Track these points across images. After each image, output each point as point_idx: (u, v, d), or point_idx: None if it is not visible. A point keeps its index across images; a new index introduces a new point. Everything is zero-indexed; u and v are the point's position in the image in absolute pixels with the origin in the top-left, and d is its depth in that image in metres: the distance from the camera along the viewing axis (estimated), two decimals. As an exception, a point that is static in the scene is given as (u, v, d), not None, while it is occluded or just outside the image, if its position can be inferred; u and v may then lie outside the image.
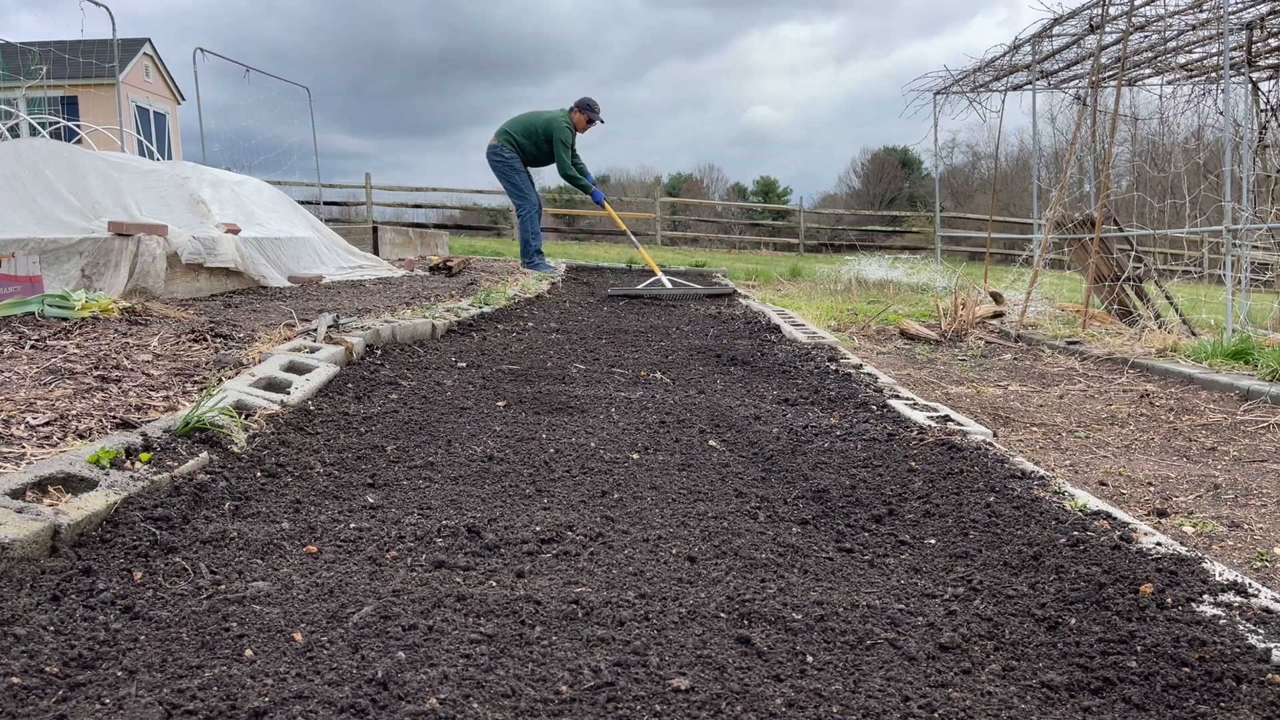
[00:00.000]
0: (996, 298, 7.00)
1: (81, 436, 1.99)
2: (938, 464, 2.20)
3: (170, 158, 18.00)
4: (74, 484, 1.59)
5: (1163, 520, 2.46)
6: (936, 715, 1.08)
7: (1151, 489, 2.74)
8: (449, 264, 8.40)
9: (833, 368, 3.66)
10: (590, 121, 8.52)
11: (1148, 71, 8.30)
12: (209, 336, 3.45)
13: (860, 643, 1.26)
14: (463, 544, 1.57)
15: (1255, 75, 7.54)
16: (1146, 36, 7.43)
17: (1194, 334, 6.09)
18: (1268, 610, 1.35)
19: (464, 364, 3.41)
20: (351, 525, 1.64)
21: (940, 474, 2.12)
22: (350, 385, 2.85)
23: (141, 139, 12.63)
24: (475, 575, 1.44)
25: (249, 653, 1.14)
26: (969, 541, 1.69)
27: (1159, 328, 6.13)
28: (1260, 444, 3.21)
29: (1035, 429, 3.29)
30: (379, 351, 3.48)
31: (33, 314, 3.58)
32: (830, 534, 1.75)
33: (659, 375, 3.36)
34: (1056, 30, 7.64)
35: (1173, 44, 7.52)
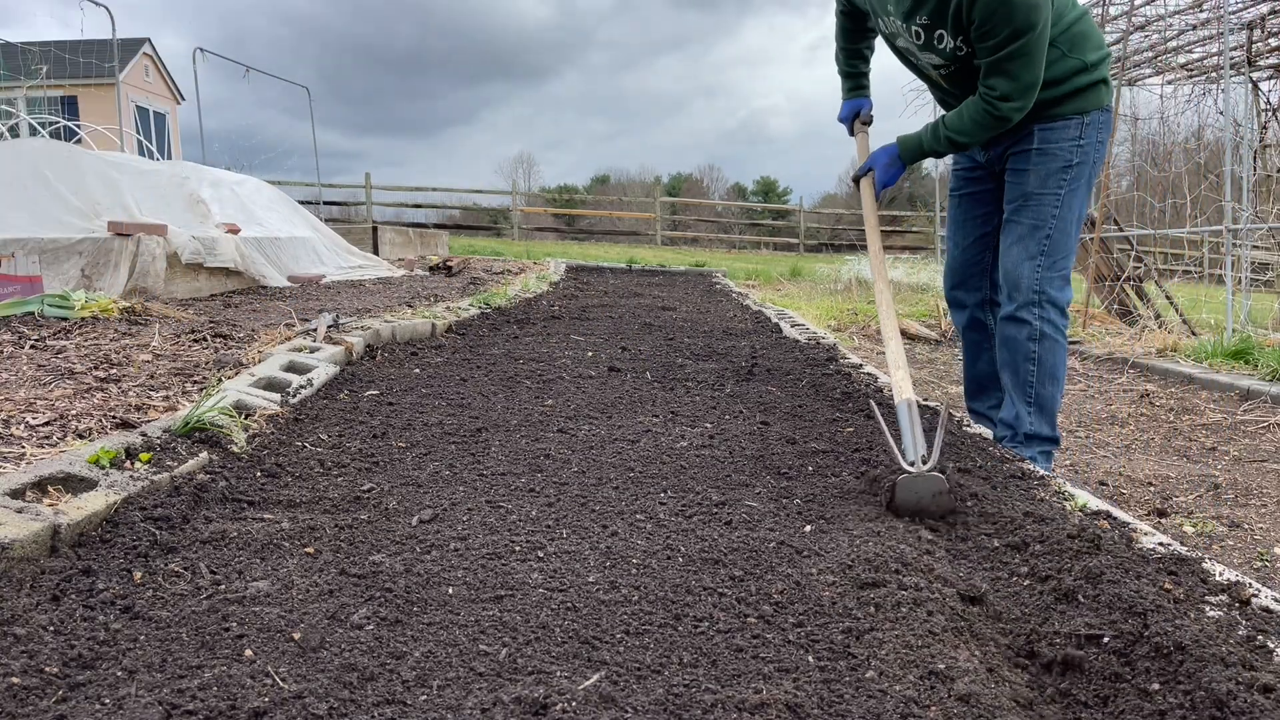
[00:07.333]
0: (996, 298, 6.98)
1: (81, 436, 1.99)
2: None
3: (170, 158, 18.00)
4: (74, 484, 1.59)
5: (1163, 520, 2.46)
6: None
7: (1151, 489, 2.74)
8: (449, 264, 8.41)
9: (832, 368, 3.66)
10: None
11: (1148, 71, 8.29)
12: (209, 336, 3.45)
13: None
14: (457, 547, 1.57)
15: (1255, 75, 7.54)
16: (1146, 36, 7.44)
17: (1194, 334, 6.09)
18: (1268, 610, 1.35)
19: (462, 361, 3.40)
20: (351, 526, 1.64)
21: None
22: (350, 385, 2.85)
23: (141, 139, 12.62)
24: (472, 571, 1.44)
25: (249, 653, 1.14)
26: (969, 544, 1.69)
27: (1159, 328, 6.14)
28: (1260, 444, 3.21)
29: (1035, 429, 3.28)
30: (379, 351, 3.48)
31: (32, 314, 3.58)
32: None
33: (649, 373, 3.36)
34: (1057, 30, 7.62)
35: (1173, 44, 7.53)
